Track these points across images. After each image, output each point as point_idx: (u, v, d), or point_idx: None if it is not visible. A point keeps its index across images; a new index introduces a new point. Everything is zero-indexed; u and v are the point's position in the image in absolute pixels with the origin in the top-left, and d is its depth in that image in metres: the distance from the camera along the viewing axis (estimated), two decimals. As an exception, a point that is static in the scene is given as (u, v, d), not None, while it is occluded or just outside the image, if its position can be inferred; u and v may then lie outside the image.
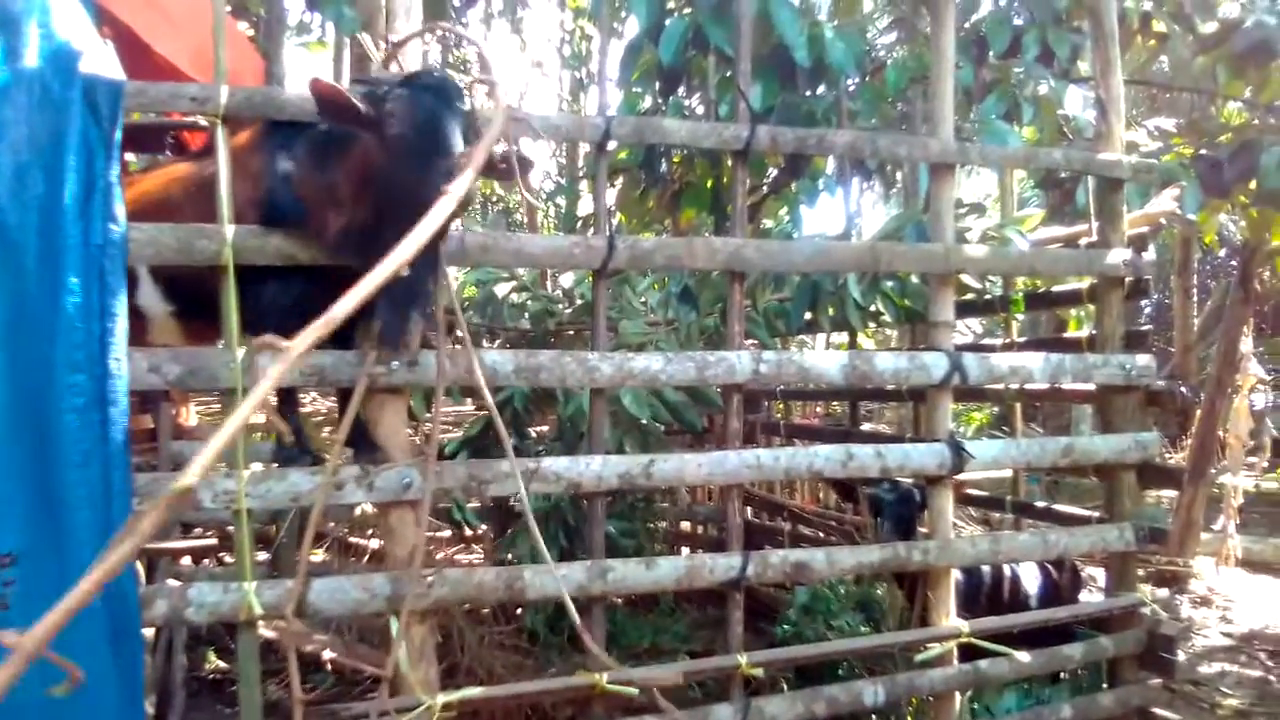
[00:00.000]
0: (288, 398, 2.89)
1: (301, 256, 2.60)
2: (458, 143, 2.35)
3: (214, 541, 3.89)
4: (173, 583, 3.80)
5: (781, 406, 7.02)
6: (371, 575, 2.70)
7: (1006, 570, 4.03)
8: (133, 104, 2.66)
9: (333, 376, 2.65)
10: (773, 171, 5.34)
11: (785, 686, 3.66)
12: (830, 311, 4.35)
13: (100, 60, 2.63)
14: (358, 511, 5.19)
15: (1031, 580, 4.09)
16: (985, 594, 3.94)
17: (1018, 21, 5.26)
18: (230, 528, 3.77)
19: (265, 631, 4.40)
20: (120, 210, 2.53)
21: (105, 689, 2.38)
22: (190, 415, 6.18)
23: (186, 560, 5.10)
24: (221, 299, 2.56)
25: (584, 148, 9.01)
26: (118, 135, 2.55)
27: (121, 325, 2.49)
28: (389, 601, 2.65)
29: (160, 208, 2.67)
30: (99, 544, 2.41)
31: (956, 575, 3.97)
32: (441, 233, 2.32)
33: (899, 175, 6.56)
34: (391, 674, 2.49)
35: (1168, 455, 10.92)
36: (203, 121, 3.29)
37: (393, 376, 2.68)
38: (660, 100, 4.89)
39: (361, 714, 2.58)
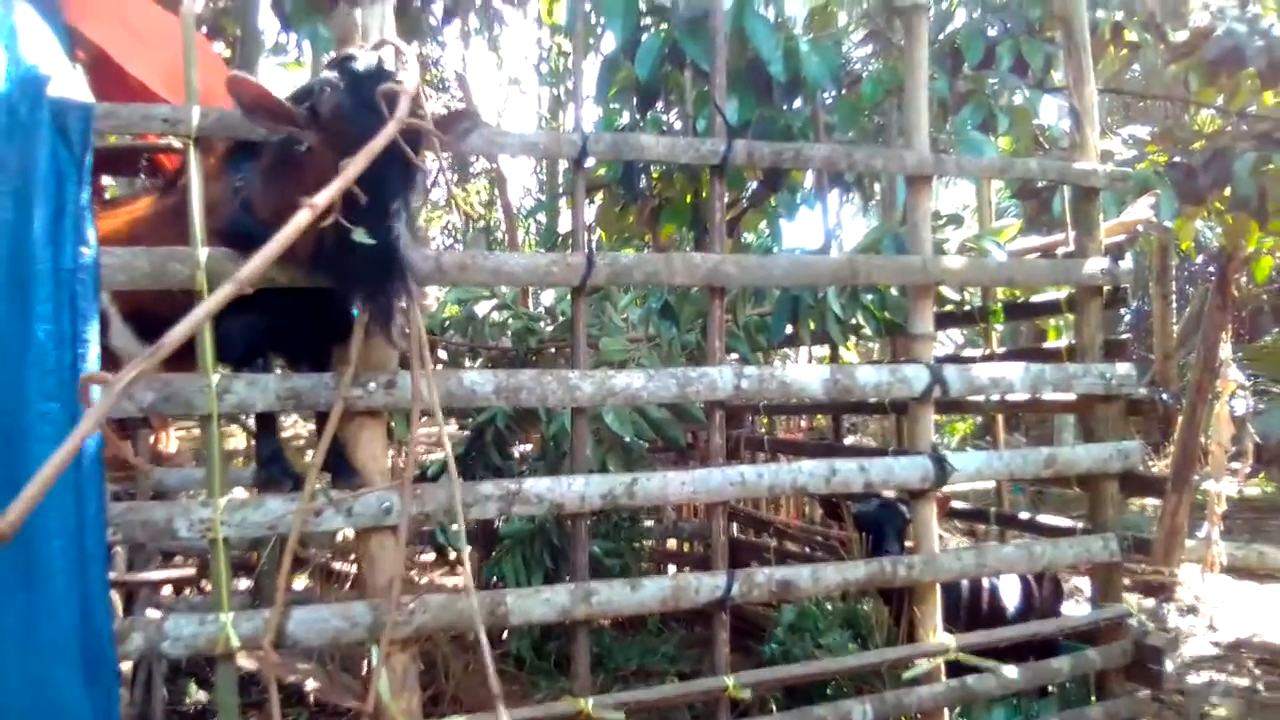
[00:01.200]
0: (266, 422, 2.85)
1: (280, 279, 2.55)
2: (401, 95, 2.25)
3: (193, 571, 3.84)
4: (151, 613, 3.75)
5: (765, 421, 7.00)
6: (351, 603, 2.65)
7: (985, 582, 4.02)
8: (104, 126, 2.63)
9: (309, 400, 2.61)
10: (751, 185, 5.35)
11: (774, 706, 3.63)
12: (811, 325, 4.35)
13: (70, 83, 2.60)
14: (339, 537, 5.15)
15: (1011, 592, 4.09)
16: (964, 606, 3.92)
17: (991, 32, 5.30)
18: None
19: (246, 663, 4.35)
20: (91, 234, 2.49)
21: (79, 725, 2.33)
22: (170, 441, 6.13)
23: (167, 591, 5.04)
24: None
25: (563, 164, 9.01)
26: (89, 159, 2.51)
27: (94, 351, 2.44)
28: (370, 630, 2.60)
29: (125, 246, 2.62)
30: (72, 575, 2.36)
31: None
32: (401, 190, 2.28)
33: (877, 187, 6.59)
34: (372, 706, 2.44)
35: (1150, 463, 10.97)
36: (175, 143, 3.28)
37: (370, 399, 2.64)
38: (637, 116, 4.90)
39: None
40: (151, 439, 5.35)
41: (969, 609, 3.90)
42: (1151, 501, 9.70)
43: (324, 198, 2.08)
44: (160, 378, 2.61)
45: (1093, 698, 3.71)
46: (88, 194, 2.52)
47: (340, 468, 2.69)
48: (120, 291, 2.80)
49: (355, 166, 2.13)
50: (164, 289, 2.56)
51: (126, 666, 3.63)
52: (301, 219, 2.04)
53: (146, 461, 4.50)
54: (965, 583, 3.93)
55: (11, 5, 2.57)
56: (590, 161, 3.20)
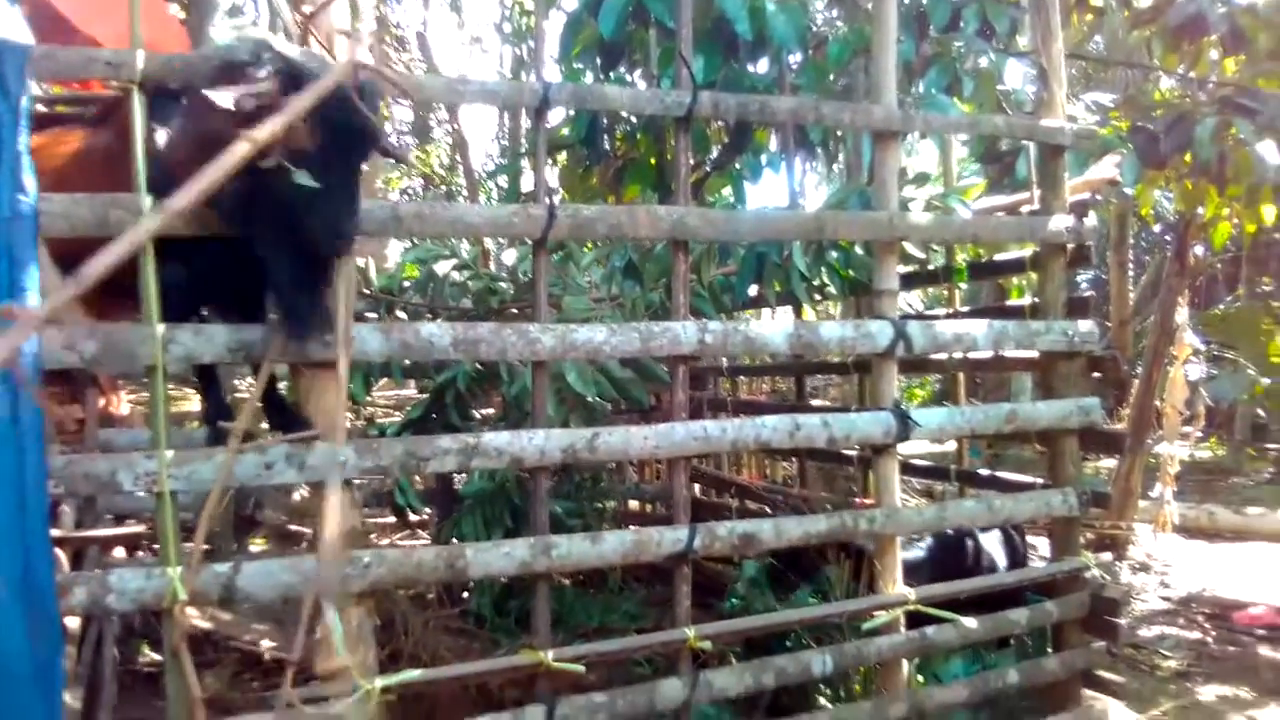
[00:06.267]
0: (209, 377, 2.77)
1: (211, 228, 2.47)
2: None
3: (141, 529, 3.75)
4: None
5: (729, 384, 7.00)
6: (302, 558, 2.60)
7: (970, 544, 4.08)
8: (43, 70, 2.53)
9: (259, 352, 2.54)
10: (716, 149, 5.30)
11: (734, 660, 3.64)
12: (776, 285, 4.32)
13: (5, 25, 2.49)
14: (295, 497, 5.08)
15: (997, 549, 4.14)
16: (968, 563, 4.00)
17: (956, -3, 5.26)
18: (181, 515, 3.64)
19: (202, 623, 4.29)
20: (30, 181, 2.39)
21: (20, 682, 2.26)
22: (122, 404, 6.00)
23: (120, 552, 4.93)
24: (123, 278, 2.43)
25: (525, 126, 8.88)
26: (26, 102, 2.40)
27: (33, 301, 2.35)
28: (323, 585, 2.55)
29: (54, 184, 2.51)
30: (12, 528, 2.29)
31: (928, 542, 4.01)
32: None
33: (841, 156, 6.55)
34: (298, 657, 2.38)
35: (1105, 425, 11.16)
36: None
37: (321, 352, 2.56)
38: (602, 75, 4.82)
39: (293, 702, 2.48)
40: (101, 401, 5.22)
41: (962, 566, 3.97)
42: (1106, 464, 9.86)
43: (265, 132, 2.00)
44: (102, 328, 2.52)
45: (1049, 649, 3.76)
46: (26, 139, 2.41)
47: (290, 423, 2.63)
48: None
49: (300, 103, 2.05)
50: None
51: (76, 625, 3.54)
52: (239, 151, 1.96)
53: (95, 424, 4.37)
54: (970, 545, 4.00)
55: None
56: (552, 116, 3.12)
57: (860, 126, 3.53)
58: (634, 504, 6.53)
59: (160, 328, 2.43)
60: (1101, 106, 6.33)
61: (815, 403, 10.04)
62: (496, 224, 2.91)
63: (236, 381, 6.57)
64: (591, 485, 5.50)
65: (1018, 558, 4.20)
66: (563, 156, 5.66)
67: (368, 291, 4.81)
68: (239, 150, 1.90)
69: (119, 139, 2.56)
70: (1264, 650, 5.23)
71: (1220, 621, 5.72)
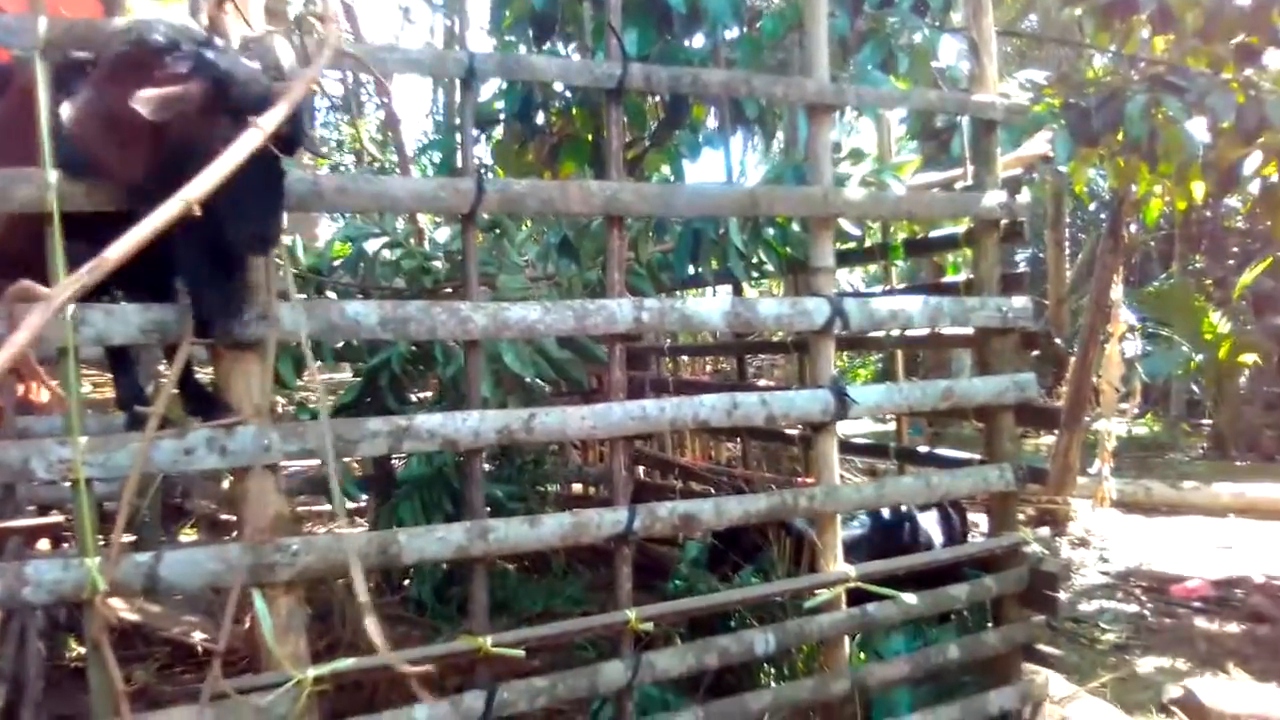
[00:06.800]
0: (122, 360, 2.66)
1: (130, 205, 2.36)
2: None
3: (60, 519, 3.63)
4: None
5: (671, 364, 6.99)
6: (227, 546, 2.51)
7: (907, 520, 4.11)
8: (-62, 36, 2.38)
9: (175, 333, 2.44)
10: (653, 125, 5.25)
11: (679, 641, 3.62)
12: (713, 263, 4.29)
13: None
14: (225, 485, 4.94)
15: (934, 526, 4.17)
16: (901, 542, 4.01)
17: (891, -29, 5.26)
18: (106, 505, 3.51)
19: (130, 615, 4.16)
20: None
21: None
22: (42, 393, 5.80)
23: (45, 544, 4.78)
24: (26, 256, 2.31)
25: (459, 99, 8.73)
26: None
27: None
28: (250, 573, 2.46)
29: None
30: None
31: (863, 519, 4.02)
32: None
33: (780, 134, 6.55)
34: (224, 647, 2.30)
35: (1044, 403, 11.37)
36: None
37: (240, 332, 2.47)
38: (535, 48, 4.75)
39: (226, 692, 2.40)
40: (21, 389, 5.04)
41: (897, 543, 3.98)
42: (1046, 441, 10.04)
43: (272, 120, 1.93)
44: (7, 309, 2.40)
45: (989, 624, 3.79)
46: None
47: (209, 408, 2.53)
48: None
49: (295, 94, 1.98)
50: None
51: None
52: (252, 140, 1.89)
53: (12, 411, 4.22)
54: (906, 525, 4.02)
55: None
56: (486, 89, 3.05)
57: (793, 100, 3.50)
58: (577, 487, 6.49)
59: (70, 308, 2.31)
60: (1035, 84, 6.39)
61: (761, 383, 10.11)
62: (422, 198, 2.83)
63: (161, 366, 6.39)
64: (534, 468, 5.44)
65: (955, 534, 4.23)
66: (498, 132, 5.56)
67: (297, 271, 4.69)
68: (253, 140, 1.83)
69: (8, 109, 2.43)
70: (1200, 622, 5.35)
71: (1157, 595, 5.85)
